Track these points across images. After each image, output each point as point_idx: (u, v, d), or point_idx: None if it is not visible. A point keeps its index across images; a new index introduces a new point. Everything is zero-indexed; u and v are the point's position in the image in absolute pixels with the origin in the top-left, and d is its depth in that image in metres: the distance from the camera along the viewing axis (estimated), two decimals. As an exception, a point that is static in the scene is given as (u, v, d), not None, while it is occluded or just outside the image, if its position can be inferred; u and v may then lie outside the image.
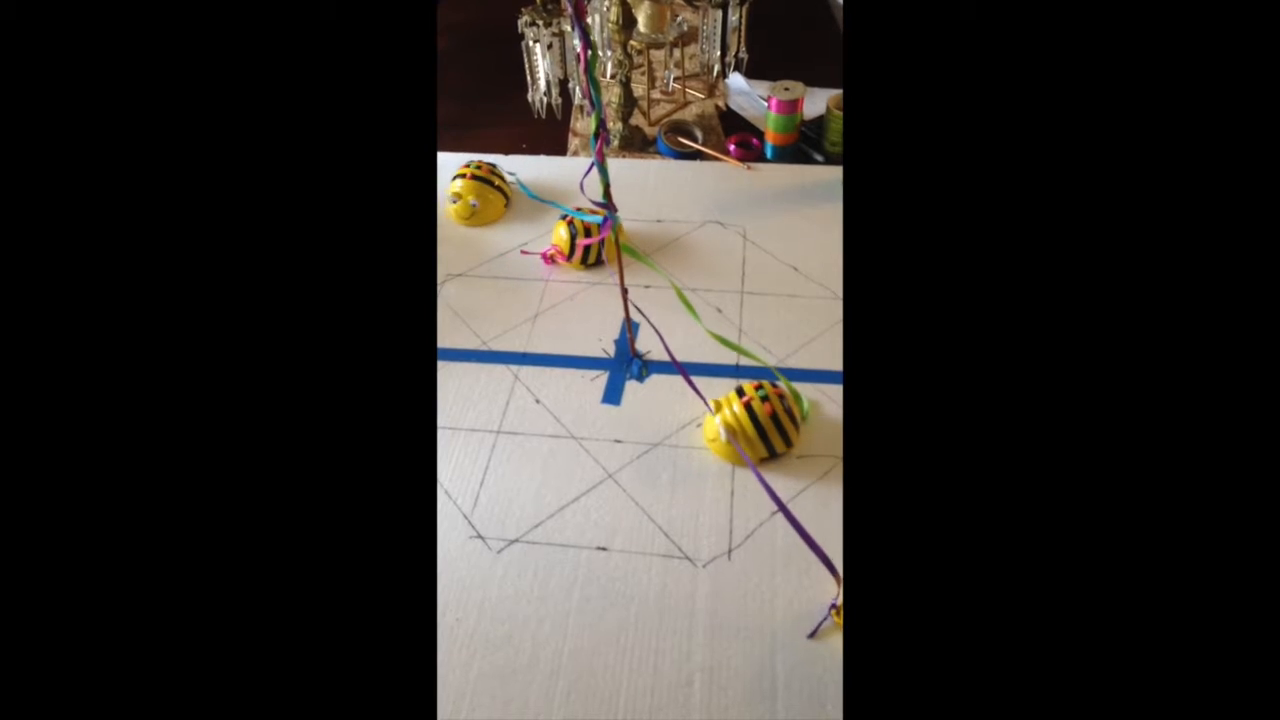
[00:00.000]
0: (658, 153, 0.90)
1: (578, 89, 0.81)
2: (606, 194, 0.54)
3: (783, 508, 0.47)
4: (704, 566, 0.51)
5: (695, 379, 0.60)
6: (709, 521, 0.53)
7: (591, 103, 0.49)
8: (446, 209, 0.78)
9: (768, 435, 0.55)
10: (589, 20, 0.79)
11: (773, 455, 0.56)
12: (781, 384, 0.58)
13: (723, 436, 0.55)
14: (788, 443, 0.56)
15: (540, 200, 0.78)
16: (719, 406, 0.57)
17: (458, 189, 0.77)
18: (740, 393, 0.56)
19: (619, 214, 0.73)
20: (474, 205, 0.77)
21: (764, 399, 0.55)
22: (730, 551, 0.52)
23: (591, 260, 0.73)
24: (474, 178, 0.77)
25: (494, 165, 0.80)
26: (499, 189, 0.78)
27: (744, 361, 0.64)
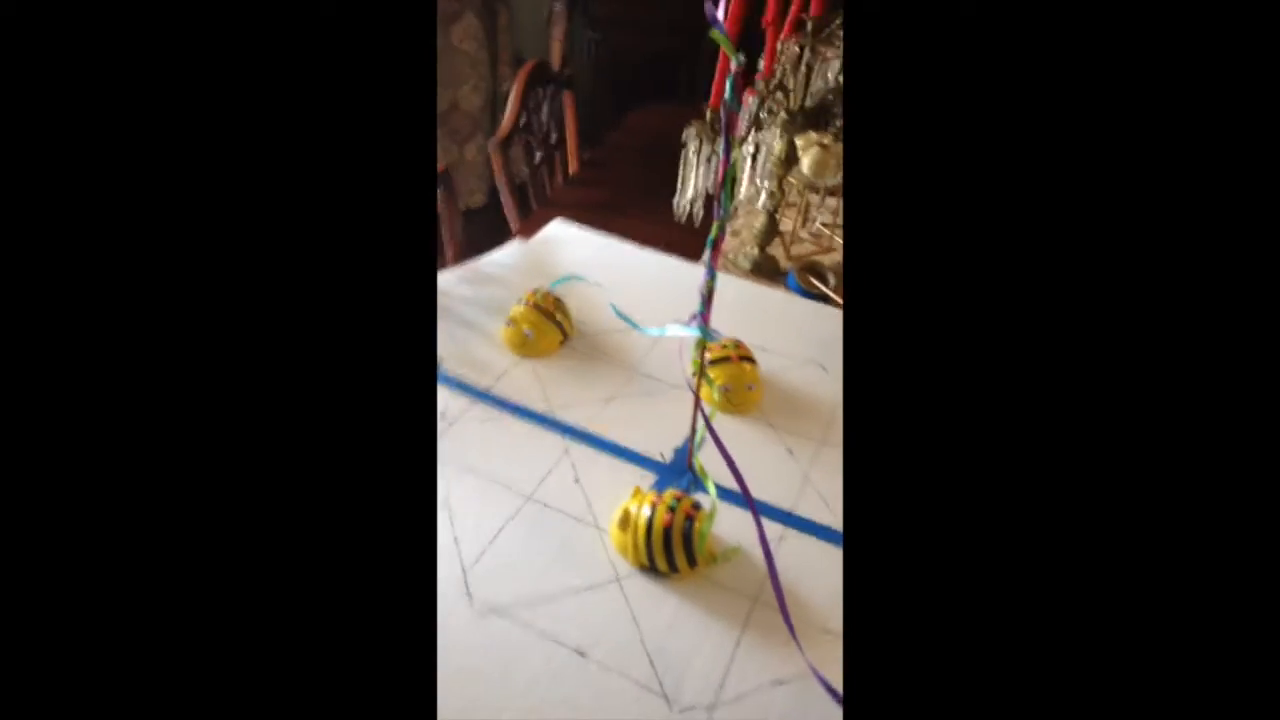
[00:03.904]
0: (786, 287, 0.90)
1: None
2: (708, 299, 0.54)
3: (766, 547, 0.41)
4: (679, 713, 0.45)
5: (737, 509, 0.56)
6: (703, 665, 0.48)
7: (719, 210, 0.50)
8: (502, 329, 0.74)
9: (653, 544, 0.52)
10: (749, 147, 0.82)
11: (652, 567, 0.53)
12: (707, 510, 0.54)
13: (614, 519, 0.55)
14: (671, 566, 0.52)
15: (626, 320, 0.70)
16: (636, 493, 0.56)
17: (515, 314, 0.73)
18: (661, 494, 0.55)
19: (710, 329, 0.72)
20: (528, 335, 0.72)
21: (670, 509, 0.52)
22: (713, 708, 0.46)
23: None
24: (535, 306, 0.73)
25: (560, 299, 0.75)
26: (558, 324, 0.73)
27: (800, 512, 0.59)
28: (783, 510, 0.59)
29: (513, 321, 0.73)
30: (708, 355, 0.69)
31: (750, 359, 0.69)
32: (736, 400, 0.68)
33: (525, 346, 0.72)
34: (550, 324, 0.72)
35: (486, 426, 0.64)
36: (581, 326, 0.76)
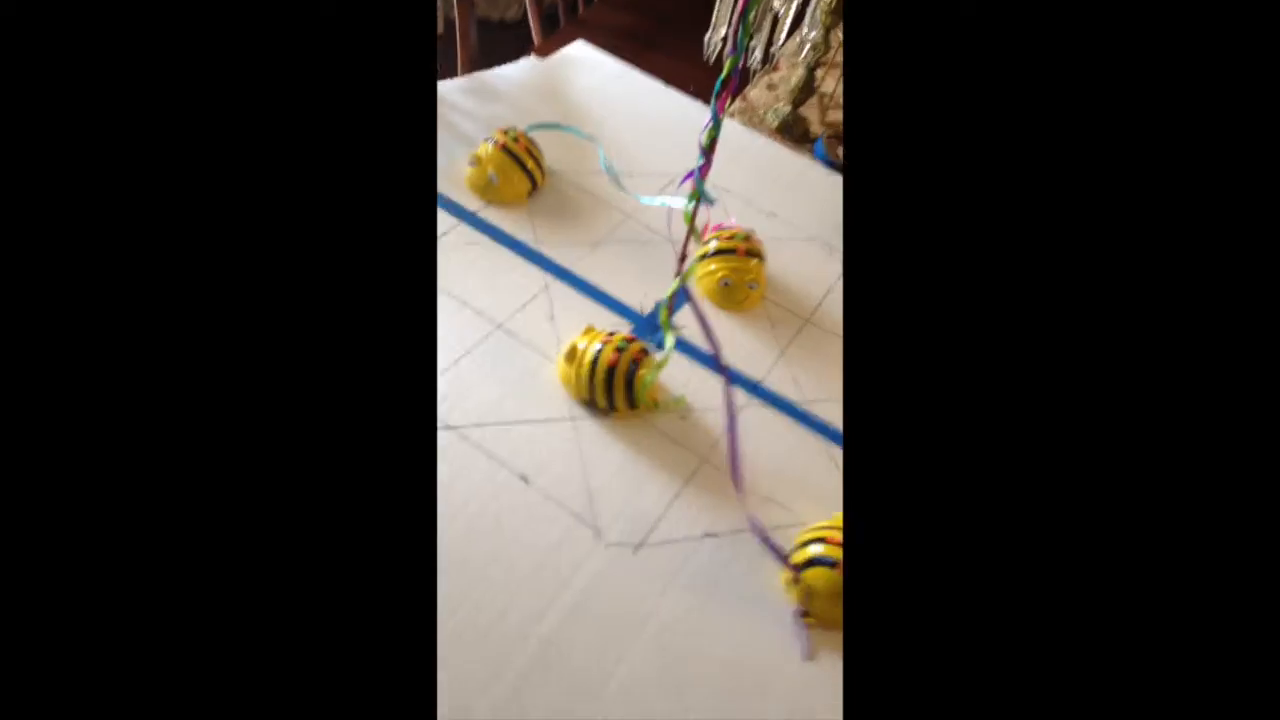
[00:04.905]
0: (812, 154, 0.84)
1: (758, 51, 0.76)
2: (709, 151, 0.50)
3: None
4: (605, 546, 0.47)
5: (704, 368, 0.56)
6: (638, 508, 0.50)
7: (735, 45, 0.45)
8: (464, 168, 0.67)
9: (595, 381, 0.52)
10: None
11: (592, 405, 0.53)
12: (657, 359, 0.53)
13: (563, 351, 0.55)
14: (610, 404, 0.53)
15: (614, 178, 0.66)
16: (588, 330, 0.55)
17: (480, 153, 0.65)
18: (612, 334, 0.54)
19: (711, 195, 0.67)
20: (492, 179, 0.64)
21: (618, 350, 0.52)
22: (638, 547, 0.48)
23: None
24: (504, 149, 0.64)
25: (534, 142, 0.66)
26: (528, 172, 0.65)
27: (768, 384, 0.59)
28: (751, 379, 0.59)
29: (477, 161, 0.66)
30: (713, 243, 0.63)
31: (758, 254, 0.63)
32: (737, 298, 0.62)
33: (489, 192, 0.65)
34: (519, 170, 0.65)
35: (469, 250, 0.62)
36: (578, 165, 0.71)
